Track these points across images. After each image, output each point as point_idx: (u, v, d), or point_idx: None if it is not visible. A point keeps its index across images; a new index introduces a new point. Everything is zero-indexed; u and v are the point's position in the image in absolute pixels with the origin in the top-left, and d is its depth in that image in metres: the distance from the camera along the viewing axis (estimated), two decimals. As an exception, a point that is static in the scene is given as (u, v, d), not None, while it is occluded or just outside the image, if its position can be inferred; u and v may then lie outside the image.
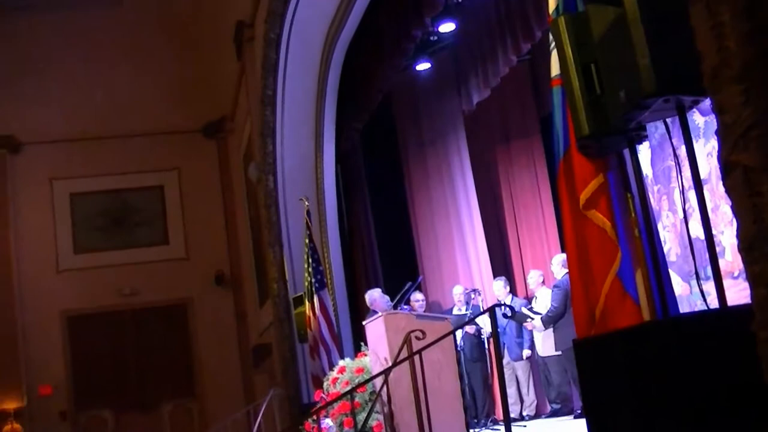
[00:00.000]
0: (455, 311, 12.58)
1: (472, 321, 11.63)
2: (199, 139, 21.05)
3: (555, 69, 5.61)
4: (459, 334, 11.86)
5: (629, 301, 5.28)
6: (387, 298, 11.82)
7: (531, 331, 12.27)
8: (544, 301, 11.77)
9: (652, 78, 4.29)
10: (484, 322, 11.95)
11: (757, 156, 3.32)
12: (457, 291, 12.90)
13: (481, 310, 11.80)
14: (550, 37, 5.59)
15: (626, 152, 5.27)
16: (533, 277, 12.26)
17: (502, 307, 10.03)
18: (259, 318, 18.23)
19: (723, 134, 3.48)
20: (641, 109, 4.52)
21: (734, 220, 3.47)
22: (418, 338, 5.85)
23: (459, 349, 11.82)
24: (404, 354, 5.93)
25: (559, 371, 11.82)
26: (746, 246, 3.36)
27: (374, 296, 11.99)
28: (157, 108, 20.33)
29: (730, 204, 3.47)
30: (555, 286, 11.37)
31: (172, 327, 20.31)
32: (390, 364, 7.49)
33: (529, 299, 12.54)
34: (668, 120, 5.26)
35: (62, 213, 20.40)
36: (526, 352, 12.49)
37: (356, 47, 14.46)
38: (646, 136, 5.07)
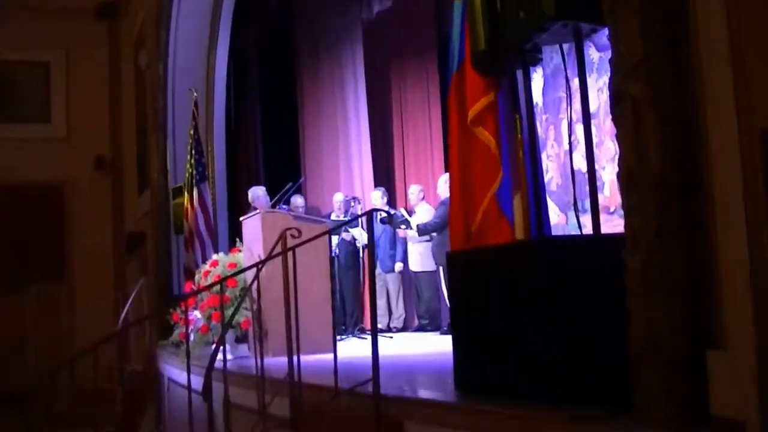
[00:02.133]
0: (333, 217, 12.59)
1: (348, 224, 11.70)
2: (91, 19, 20.46)
3: (458, -17, 5.59)
4: (335, 240, 11.93)
5: (504, 221, 5.36)
6: (269, 198, 11.79)
7: (404, 245, 12.40)
8: (422, 216, 11.88)
9: (552, 1, 4.30)
10: (360, 233, 12.03)
11: (645, 88, 3.38)
12: (338, 198, 12.92)
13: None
14: (456, -49, 5.57)
15: (519, 74, 5.28)
16: (414, 192, 12.35)
17: (379, 213, 10.11)
18: (137, 206, 18.05)
19: (616, 63, 3.53)
20: (539, 30, 4.52)
21: (617, 155, 3.53)
22: (293, 236, 5.83)
23: (334, 255, 11.89)
24: (278, 251, 5.93)
25: (430, 287, 11.97)
26: (626, 174, 3.43)
27: (258, 193, 11.93)
28: (48, -18, 19.68)
29: (615, 133, 3.53)
30: (442, 203, 11.44)
31: (46, 208, 19.85)
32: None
33: (408, 213, 12.62)
34: (565, 51, 5.29)
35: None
36: (399, 266, 12.62)
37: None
38: (541, 59, 5.09)
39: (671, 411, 3.27)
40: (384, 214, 10.46)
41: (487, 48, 4.90)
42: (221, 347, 6.28)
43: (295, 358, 5.57)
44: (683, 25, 3.39)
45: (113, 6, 20.28)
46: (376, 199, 12.60)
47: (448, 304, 6.05)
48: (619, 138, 3.47)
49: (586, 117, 4.64)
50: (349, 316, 12.58)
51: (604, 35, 3.83)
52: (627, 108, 3.42)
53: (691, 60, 3.36)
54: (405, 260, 12.54)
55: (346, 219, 12.12)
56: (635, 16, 3.43)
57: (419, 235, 11.79)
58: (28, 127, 19.87)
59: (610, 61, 3.56)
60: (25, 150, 19.39)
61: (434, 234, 11.57)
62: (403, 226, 12.02)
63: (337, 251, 12.15)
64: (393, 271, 12.71)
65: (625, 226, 3.45)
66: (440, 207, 11.44)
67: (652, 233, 3.31)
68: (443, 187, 11.47)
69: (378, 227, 12.26)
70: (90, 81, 20.19)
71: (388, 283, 12.85)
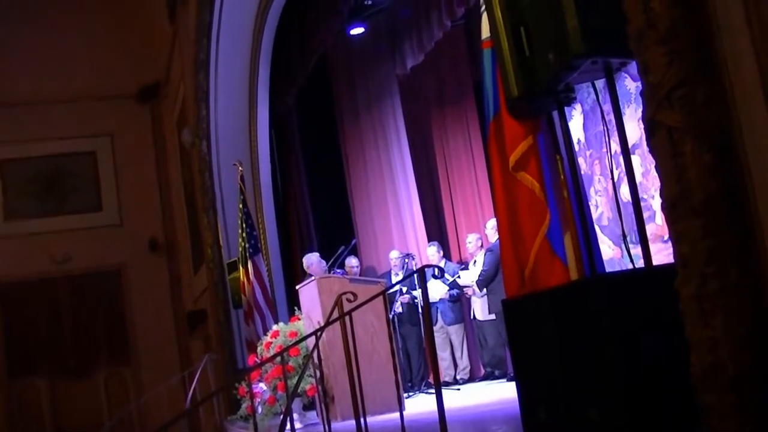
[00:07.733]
0: (392, 275, 12.60)
1: (401, 283, 11.67)
2: (133, 104, 20.77)
3: (485, 31, 5.61)
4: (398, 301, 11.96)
5: (558, 262, 5.33)
6: (324, 262, 11.81)
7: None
8: (482, 264, 11.87)
9: (580, 39, 4.31)
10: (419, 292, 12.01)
11: (680, 116, 3.36)
12: (394, 255, 12.85)
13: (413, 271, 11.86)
14: (481, -1, 5.60)
15: (555, 114, 5.29)
16: (471, 241, 12.31)
17: (433, 269, 10.10)
18: (194, 284, 18.19)
19: (647, 94, 3.52)
20: (569, 70, 4.54)
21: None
22: (349, 300, 5.84)
23: (397, 313, 11.89)
24: (336, 316, 5.94)
25: (494, 334, 11.91)
26: (669, 205, 3.41)
27: (312, 260, 11.96)
28: (88, 72, 19.96)
29: (654, 164, 3.51)
30: (488, 250, 11.52)
31: (106, 294, 20.13)
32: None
33: (465, 263, 12.60)
34: (600, 86, 5.29)
35: (-8, 180, 20.04)
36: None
37: (290, 11, 14.35)
38: (575, 98, 5.10)
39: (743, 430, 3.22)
40: (435, 269, 10.48)
41: (520, 94, 4.91)
42: (288, 417, 6.28)
43: (362, 421, 5.56)
44: (713, 48, 3.37)
45: (153, 88, 20.58)
46: (432, 254, 12.60)
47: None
48: (659, 169, 3.45)
49: (625, 150, 4.64)
50: (415, 372, 12.53)
51: (634, 62, 3.83)
52: (663, 138, 3.40)
53: (724, 82, 3.34)
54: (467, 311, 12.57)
55: (401, 278, 12.08)
56: (661, 44, 3.42)
57: (480, 290, 11.77)
58: (82, 217, 20.16)
59: (641, 93, 3.55)
60: (81, 239, 19.72)
61: (485, 282, 11.64)
62: (466, 288, 12.05)
63: (401, 310, 12.14)
64: (455, 322, 12.67)
65: (675, 256, 3.42)
66: (487, 254, 11.51)
67: (703, 261, 3.27)
68: (491, 231, 11.55)
69: (439, 284, 12.24)
70: (137, 165, 20.49)
71: (450, 335, 12.78)
